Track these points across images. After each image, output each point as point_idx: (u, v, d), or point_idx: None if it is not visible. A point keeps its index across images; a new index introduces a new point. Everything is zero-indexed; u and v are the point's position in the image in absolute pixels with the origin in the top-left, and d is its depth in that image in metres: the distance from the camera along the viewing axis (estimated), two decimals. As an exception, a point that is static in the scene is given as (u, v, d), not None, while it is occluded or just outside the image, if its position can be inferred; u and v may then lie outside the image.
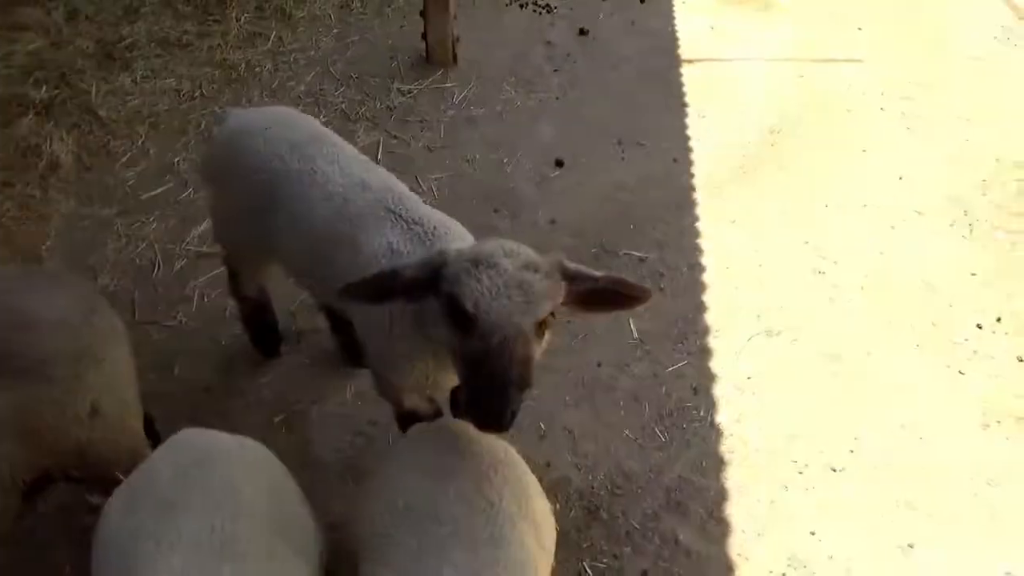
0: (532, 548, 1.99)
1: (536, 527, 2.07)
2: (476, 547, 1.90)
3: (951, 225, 4.50)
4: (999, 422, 3.49)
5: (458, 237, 2.51)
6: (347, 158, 2.78)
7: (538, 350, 2.07)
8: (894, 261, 4.27)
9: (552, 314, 2.05)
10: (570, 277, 2.09)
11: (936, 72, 5.75)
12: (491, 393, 1.95)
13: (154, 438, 2.87)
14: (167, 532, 1.80)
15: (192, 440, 2.12)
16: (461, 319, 2.00)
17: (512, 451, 2.26)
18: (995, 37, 6.09)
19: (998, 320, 3.94)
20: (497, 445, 2.22)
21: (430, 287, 2.09)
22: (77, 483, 2.56)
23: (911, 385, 3.64)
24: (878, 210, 4.59)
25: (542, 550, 2.06)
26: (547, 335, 2.09)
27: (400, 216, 2.51)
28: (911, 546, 3.04)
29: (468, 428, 2.21)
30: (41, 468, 2.27)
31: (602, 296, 2.14)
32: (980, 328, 3.91)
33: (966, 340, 3.85)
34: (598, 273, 2.14)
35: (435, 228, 2.48)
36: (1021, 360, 3.74)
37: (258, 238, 2.89)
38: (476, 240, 2.57)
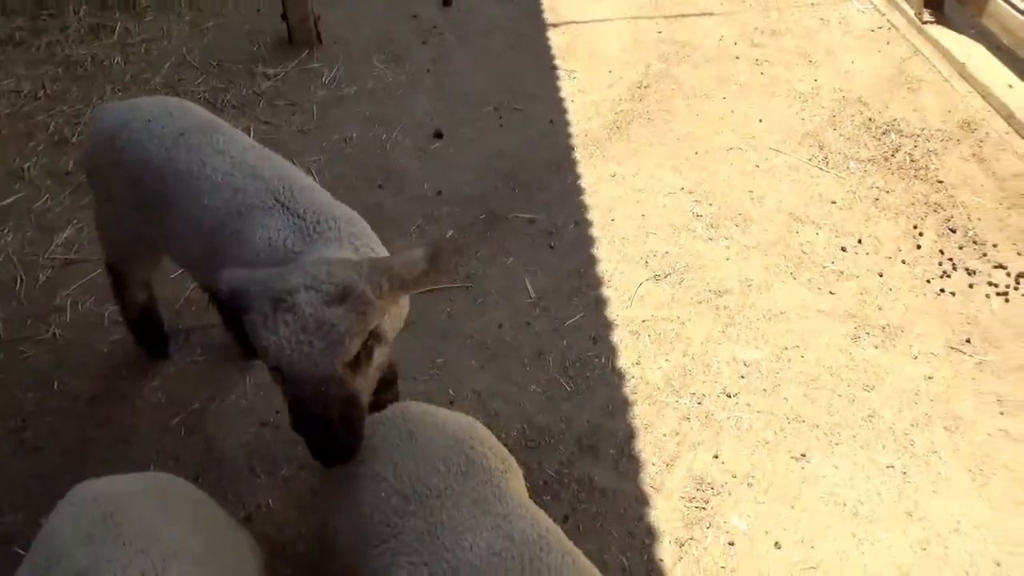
0: (524, 495, 2.06)
1: (516, 475, 2.12)
2: (486, 507, 1.92)
3: (809, 160, 4.82)
4: (868, 333, 3.80)
5: (350, 229, 2.41)
6: (239, 147, 2.65)
7: (366, 377, 2.03)
8: (763, 198, 4.54)
9: (377, 335, 2.02)
10: (390, 277, 2.02)
11: (780, 21, 6.11)
12: (317, 437, 1.92)
13: None
14: None
15: (89, 494, 1.92)
16: (272, 366, 1.96)
17: (469, 417, 2.26)
18: (830, -16, 6.51)
19: (859, 242, 4.27)
20: (458, 415, 2.21)
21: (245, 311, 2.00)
22: None
23: (790, 310, 3.90)
24: (743, 152, 4.86)
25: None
26: (378, 350, 2.06)
27: (287, 207, 2.41)
28: (803, 455, 3.28)
29: (425, 405, 2.20)
30: None
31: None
32: (844, 251, 4.22)
33: (833, 263, 4.15)
34: (421, 264, 2.07)
35: (320, 221, 2.37)
36: (882, 275, 4.08)
37: (147, 235, 2.76)
38: (364, 221, 2.55)
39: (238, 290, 1.98)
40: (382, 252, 2.46)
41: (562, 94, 5.29)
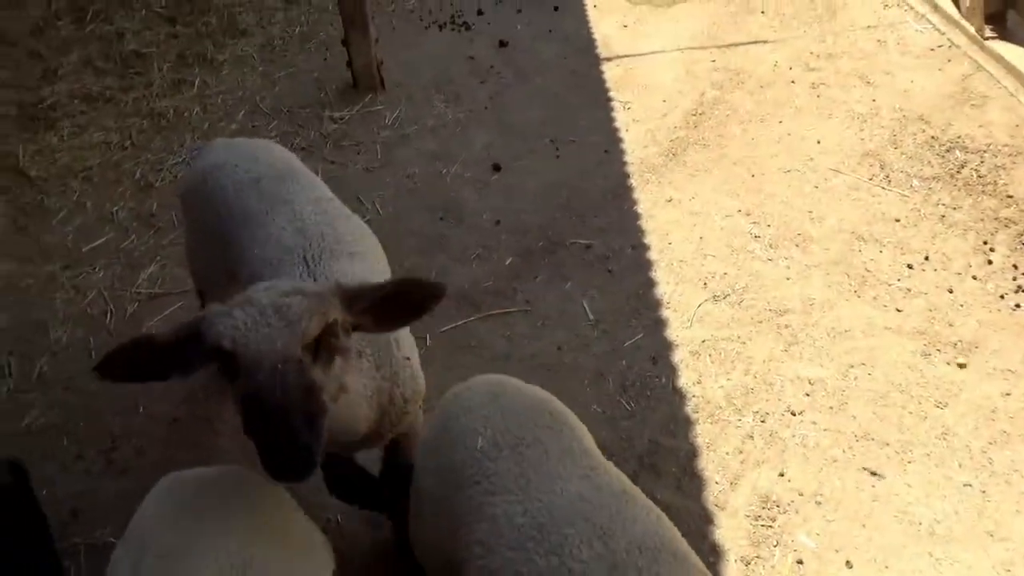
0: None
1: (592, 441, 2.21)
2: (574, 457, 2.01)
3: (870, 179, 4.76)
4: (939, 350, 3.70)
5: None
6: (304, 200, 2.71)
7: (331, 378, 1.89)
8: (823, 218, 4.50)
9: (338, 336, 1.90)
10: (351, 296, 1.96)
11: (836, 43, 6.10)
12: (274, 432, 1.72)
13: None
14: None
15: (178, 482, 2.07)
16: (226, 364, 1.82)
17: None
18: (885, 5, 6.47)
19: (926, 259, 4.18)
20: (535, 387, 2.33)
21: (193, 351, 1.87)
22: None
23: (855, 328, 3.83)
24: (801, 173, 4.84)
25: None
26: (342, 361, 1.93)
27: (309, 270, 2.43)
28: (874, 473, 3.20)
29: (504, 376, 2.34)
30: None
31: (396, 304, 2.01)
32: (911, 268, 4.14)
33: (899, 280, 4.07)
34: (382, 282, 2.04)
35: None
36: (952, 292, 3.98)
37: (219, 269, 2.92)
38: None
39: (193, 320, 1.91)
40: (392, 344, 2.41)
41: (617, 124, 5.39)
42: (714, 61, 5.99)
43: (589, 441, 2.19)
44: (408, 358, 2.47)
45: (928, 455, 3.26)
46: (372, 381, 2.29)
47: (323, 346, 1.87)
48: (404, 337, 2.50)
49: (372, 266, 2.64)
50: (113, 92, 5.93)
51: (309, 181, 2.92)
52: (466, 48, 6.34)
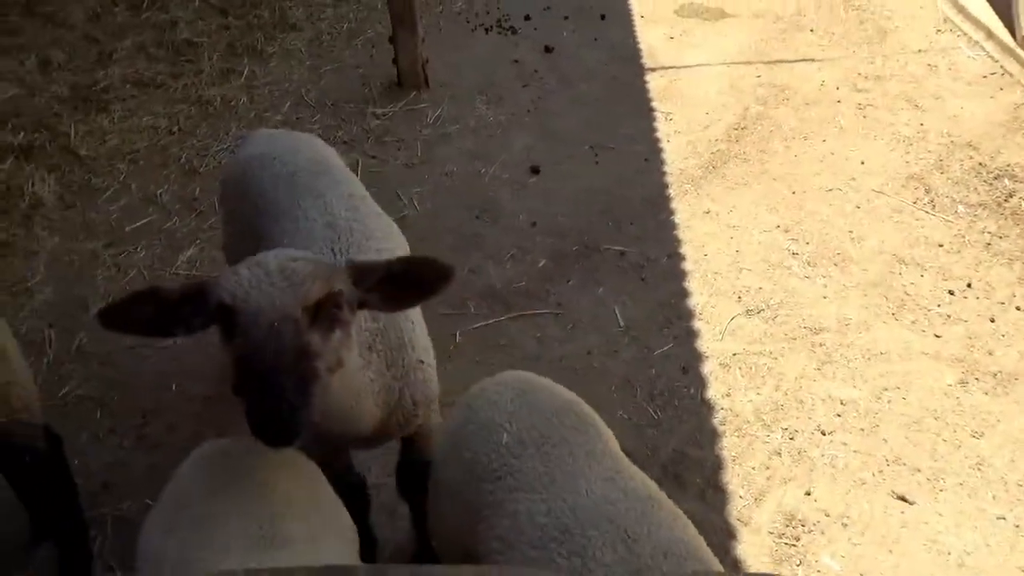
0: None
1: (617, 444, 2.19)
2: (600, 458, 1.98)
3: (914, 202, 4.69)
4: (977, 379, 3.62)
5: None
6: (337, 195, 2.71)
7: (328, 347, 1.83)
8: (863, 238, 4.43)
9: (341, 307, 1.86)
10: (360, 272, 1.93)
11: (885, 65, 6.02)
12: (263, 391, 1.67)
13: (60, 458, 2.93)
14: (216, 541, 1.77)
15: (216, 449, 2.11)
16: (226, 322, 1.78)
17: None
18: (937, 30, 6.38)
19: (968, 286, 4.10)
20: (563, 387, 2.31)
21: (198, 309, 1.85)
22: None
23: (891, 351, 3.77)
24: (843, 193, 4.78)
25: None
26: (341, 333, 1.87)
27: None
28: (904, 499, 3.14)
29: (532, 374, 2.31)
30: None
31: (405, 283, 1.95)
32: (952, 294, 4.06)
33: (939, 306, 4.00)
34: (391, 259, 1.99)
35: None
36: (993, 321, 3.89)
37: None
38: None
39: (204, 280, 1.91)
40: (406, 329, 2.41)
41: (658, 134, 5.37)
42: (760, 77, 5.94)
43: (614, 444, 2.16)
44: (422, 361, 2.43)
45: (961, 484, 3.19)
46: (381, 378, 2.28)
47: (324, 313, 1.83)
48: (419, 340, 2.47)
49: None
50: (164, 78, 6.05)
51: (344, 177, 2.91)
52: (511, 52, 6.37)
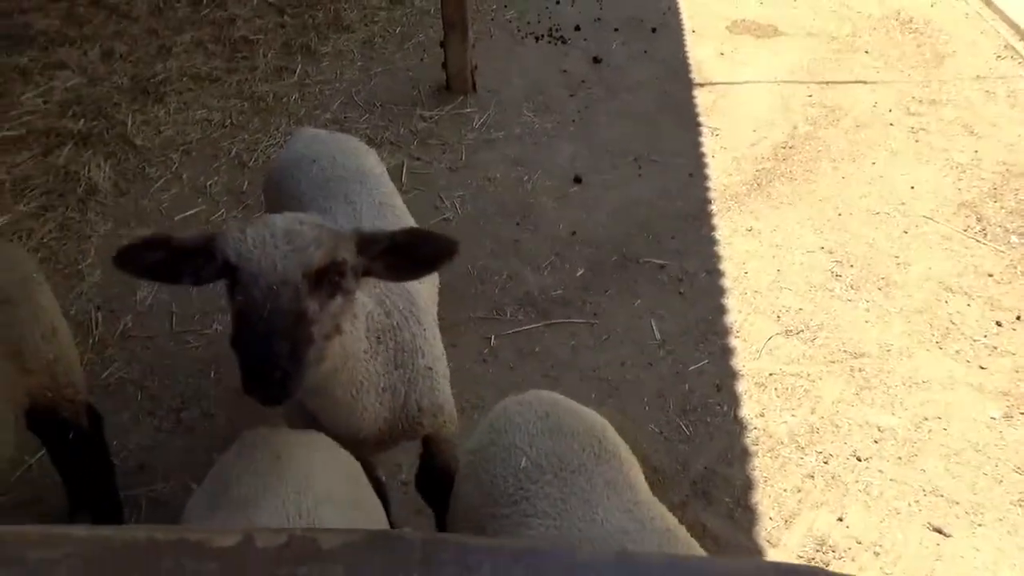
0: (650, 492, 2.07)
1: (640, 473, 2.13)
2: (619, 488, 1.93)
3: (964, 230, 4.58)
4: (1023, 413, 3.52)
5: (390, 296, 2.37)
6: (368, 203, 2.76)
7: (326, 313, 1.86)
8: (910, 264, 4.35)
9: (344, 275, 1.89)
10: (365, 240, 1.95)
11: (941, 90, 5.90)
12: (257, 350, 1.71)
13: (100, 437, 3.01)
14: (256, 523, 1.78)
15: (260, 437, 2.13)
16: (231, 279, 1.83)
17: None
18: (997, 56, 6.24)
19: (1018, 318, 3.99)
20: (589, 409, 2.27)
21: (207, 261, 1.89)
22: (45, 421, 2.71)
23: (933, 379, 3.68)
24: (891, 217, 4.69)
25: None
26: (342, 300, 1.91)
27: None
28: (940, 531, 3.06)
29: (559, 395, 2.27)
30: (26, 390, 2.48)
31: (409, 254, 1.98)
32: (1000, 326, 3.95)
33: (986, 337, 3.90)
34: (396, 230, 2.00)
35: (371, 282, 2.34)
36: (1041, 355, 3.79)
37: None
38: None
39: (213, 231, 1.95)
40: (417, 334, 2.41)
41: (703, 150, 5.34)
42: (811, 96, 5.88)
43: (637, 475, 2.10)
44: (431, 368, 2.43)
45: (1000, 520, 3.10)
46: (387, 375, 2.29)
47: (326, 280, 1.85)
48: (430, 347, 2.46)
49: None
50: (219, 73, 6.20)
51: (377, 185, 2.92)
52: (560, 61, 6.39)
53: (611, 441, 2.07)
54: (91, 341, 3.99)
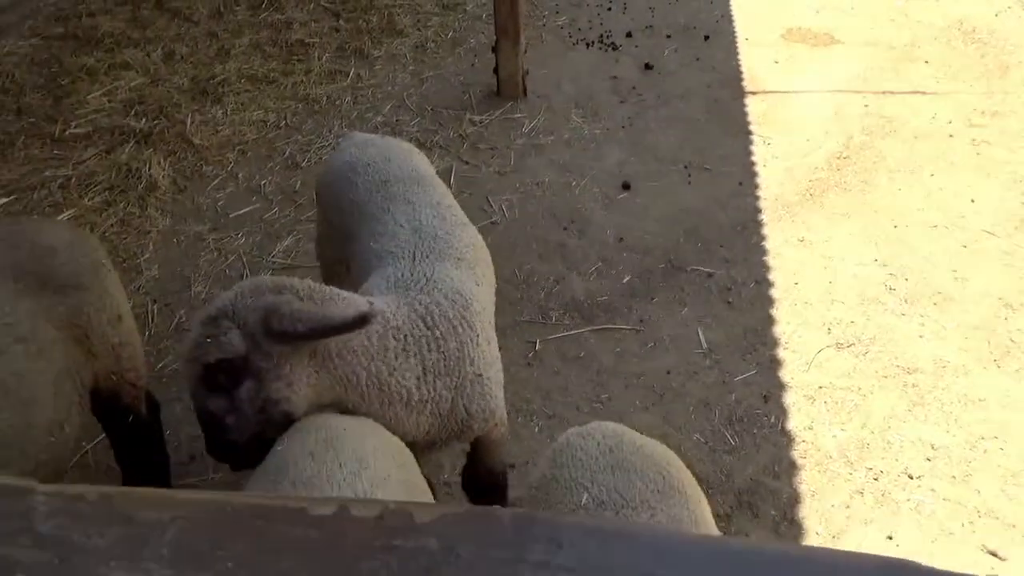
0: (716, 529, 2.04)
1: (707, 509, 2.10)
2: (682, 526, 1.90)
3: (1027, 246, 4.44)
4: (1085, 437, 3.39)
5: (433, 304, 2.41)
6: (425, 203, 2.79)
7: (241, 399, 2.13)
8: (968, 279, 4.23)
9: (236, 370, 2.10)
10: (274, 327, 2.08)
11: (1005, 101, 5.73)
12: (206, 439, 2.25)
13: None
14: None
15: (316, 423, 2.18)
16: None
17: (664, 445, 2.25)
18: (1067, 67, 6.04)
19: (1081, 338, 3.85)
20: (654, 441, 2.22)
21: None
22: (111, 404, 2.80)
23: (990, 398, 3.57)
24: (949, 230, 4.57)
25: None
26: (253, 383, 2.11)
27: (413, 266, 2.50)
28: (995, 555, 2.96)
29: (623, 427, 2.24)
30: (92, 373, 2.58)
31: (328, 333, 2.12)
32: (1062, 345, 3.82)
33: (1047, 356, 3.77)
34: (300, 328, 2.07)
35: (419, 287, 2.44)
36: (1107, 377, 3.64)
37: (340, 260, 3.03)
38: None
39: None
40: (466, 342, 2.44)
41: (754, 158, 5.27)
42: (867, 106, 5.76)
43: (704, 511, 2.05)
44: (480, 375, 2.46)
45: (1060, 547, 2.99)
46: (421, 387, 2.33)
47: (220, 377, 2.12)
48: (482, 354, 2.48)
49: (477, 275, 2.63)
50: (275, 75, 6.34)
51: (433, 185, 2.96)
52: (611, 68, 6.38)
53: (675, 477, 2.03)
54: (147, 333, 4.10)
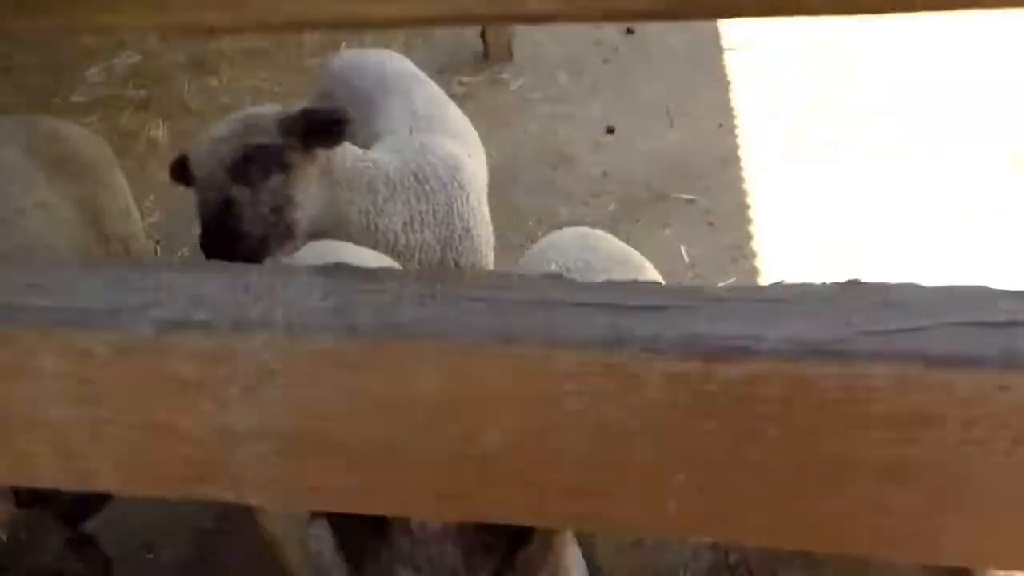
0: None
1: None
2: None
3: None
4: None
5: (435, 158, 2.65)
6: (419, 93, 3.06)
7: (264, 191, 2.30)
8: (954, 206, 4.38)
9: (267, 157, 2.29)
10: (285, 123, 2.35)
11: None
12: (202, 235, 2.44)
13: None
14: None
15: (325, 245, 2.31)
16: None
17: None
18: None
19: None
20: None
21: None
22: None
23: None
24: (932, 161, 4.73)
25: None
26: (281, 176, 2.30)
27: (410, 138, 2.76)
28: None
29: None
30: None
31: (315, 130, 2.35)
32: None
33: None
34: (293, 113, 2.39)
35: (416, 149, 2.67)
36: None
37: None
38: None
39: None
40: (455, 198, 2.65)
41: (734, 104, 5.45)
42: (843, 52, 5.94)
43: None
44: (469, 230, 2.65)
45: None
46: (411, 234, 2.54)
47: (252, 166, 2.29)
48: (471, 213, 2.67)
49: (469, 149, 2.85)
50: (270, 49, 6.53)
51: (425, 82, 3.20)
52: (594, 33, 6.57)
53: (641, 262, 2.20)
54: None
